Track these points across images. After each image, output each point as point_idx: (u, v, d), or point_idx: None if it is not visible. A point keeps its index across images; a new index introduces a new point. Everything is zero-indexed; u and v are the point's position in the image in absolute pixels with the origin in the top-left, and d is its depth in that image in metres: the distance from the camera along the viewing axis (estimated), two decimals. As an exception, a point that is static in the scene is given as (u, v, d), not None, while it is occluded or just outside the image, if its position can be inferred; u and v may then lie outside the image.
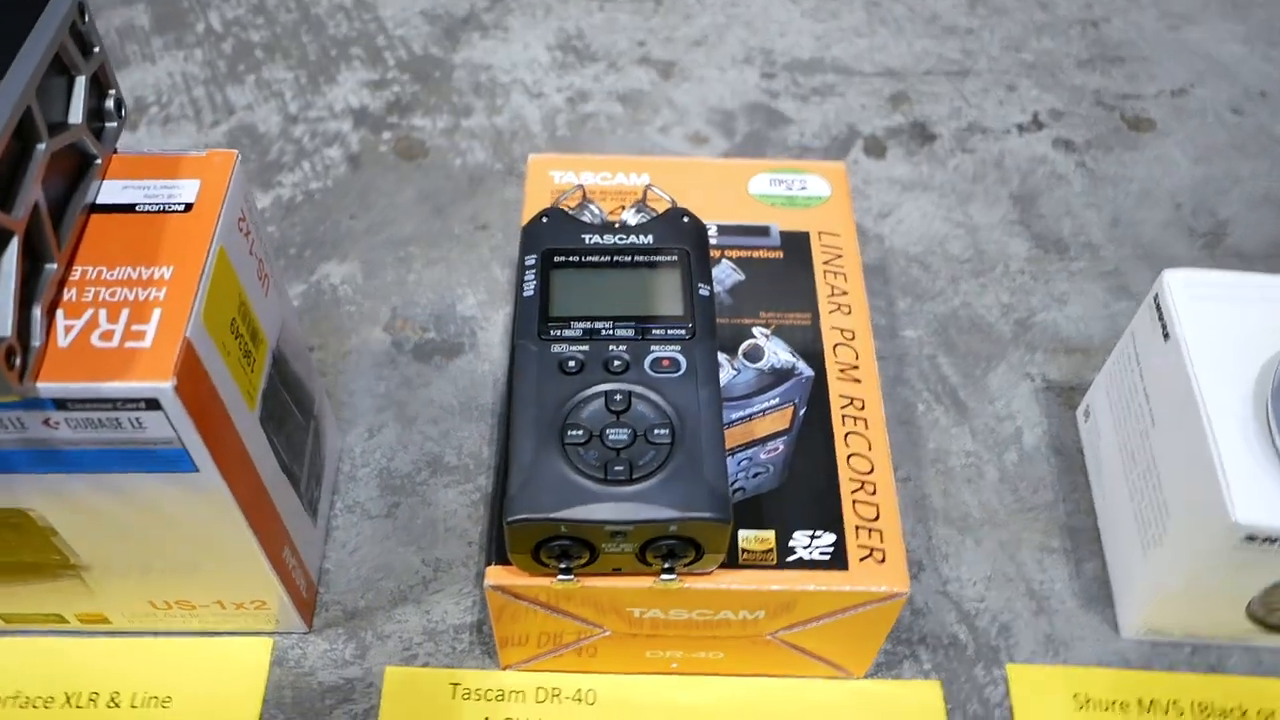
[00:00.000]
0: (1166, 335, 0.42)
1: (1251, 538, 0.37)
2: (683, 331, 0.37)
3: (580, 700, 0.42)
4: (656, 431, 0.35)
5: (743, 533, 0.37)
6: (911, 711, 0.41)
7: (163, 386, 0.29)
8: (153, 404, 0.30)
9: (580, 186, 0.44)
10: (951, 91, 0.65)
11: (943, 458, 0.49)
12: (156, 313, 0.30)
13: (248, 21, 0.68)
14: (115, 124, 0.34)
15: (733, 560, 0.36)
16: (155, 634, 0.42)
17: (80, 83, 0.32)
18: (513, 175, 0.59)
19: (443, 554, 0.45)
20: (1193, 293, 0.42)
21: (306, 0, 0.69)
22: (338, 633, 0.43)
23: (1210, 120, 0.64)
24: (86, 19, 0.32)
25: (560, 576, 0.35)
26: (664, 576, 0.35)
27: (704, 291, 0.39)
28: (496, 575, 0.36)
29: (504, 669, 0.42)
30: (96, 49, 0.33)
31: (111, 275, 0.31)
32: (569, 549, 0.34)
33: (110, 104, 0.34)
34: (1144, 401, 0.43)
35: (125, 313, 0.30)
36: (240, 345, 0.34)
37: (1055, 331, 0.54)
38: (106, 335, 0.30)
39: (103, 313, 0.30)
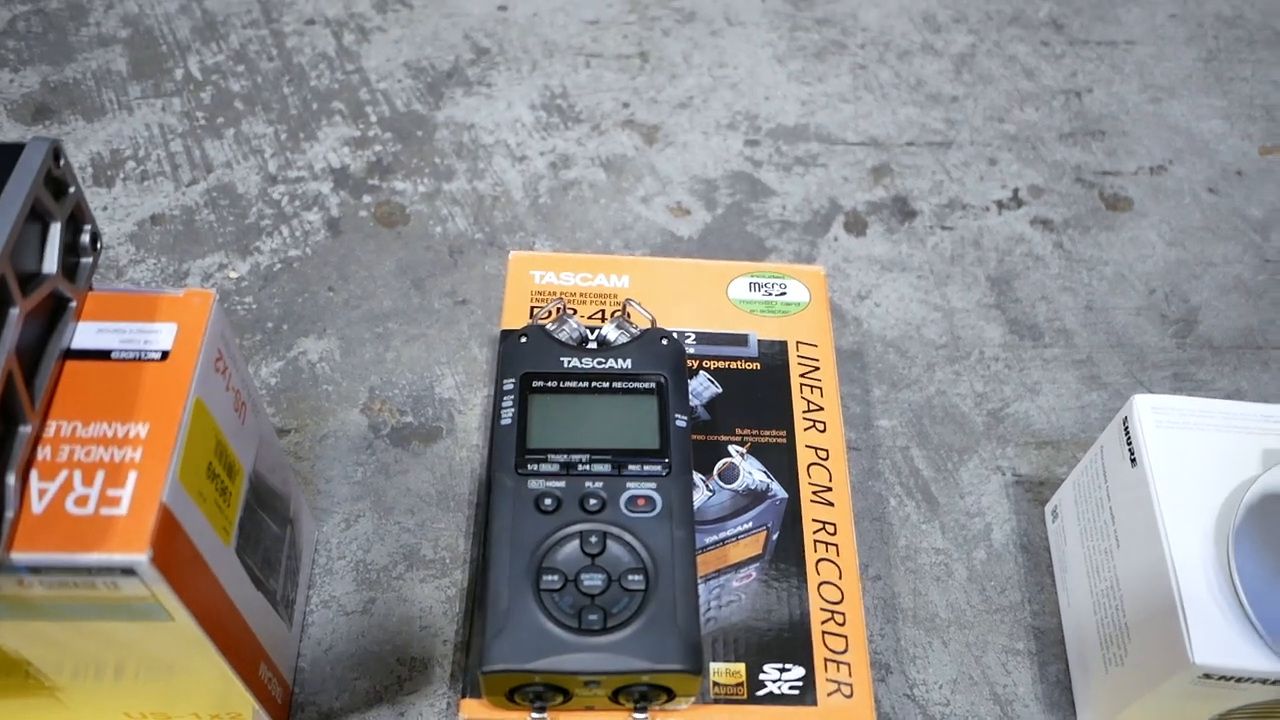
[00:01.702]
0: (1134, 461, 0.42)
1: (1208, 676, 0.38)
2: (659, 468, 0.38)
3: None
4: (630, 577, 0.35)
5: (714, 665, 0.38)
6: (875, 826, 0.42)
7: (138, 558, 0.29)
8: (128, 572, 0.30)
9: (560, 300, 0.44)
10: (933, 164, 0.65)
11: (913, 555, 0.50)
12: (132, 476, 0.30)
13: (227, 69, 0.67)
14: (90, 259, 0.34)
15: (704, 693, 0.37)
16: (129, 736, 0.42)
17: (55, 229, 0.32)
18: (493, 246, 0.59)
19: (418, 653, 0.46)
20: (1160, 419, 0.43)
21: (289, 48, 0.68)
22: (312, 736, 0.43)
23: (1187, 201, 0.65)
24: (62, 162, 0.32)
25: (534, 716, 0.35)
26: (636, 716, 0.36)
27: (680, 423, 0.39)
28: (472, 710, 0.36)
29: (476, 775, 0.43)
30: (71, 189, 0.33)
31: (87, 432, 0.31)
32: (543, 694, 0.34)
33: (85, 239, 0.34)
34: (1109, 520, 0.44)
35: (100, 475, 0.30)
36: (217, 486, 0.34)
37: (1027, 424, 0.54)
38: (81, 500, 0.30)
39: (78, 475, 0.30)
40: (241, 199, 0.60)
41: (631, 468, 0.37)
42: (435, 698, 0.44)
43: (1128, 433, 0.43)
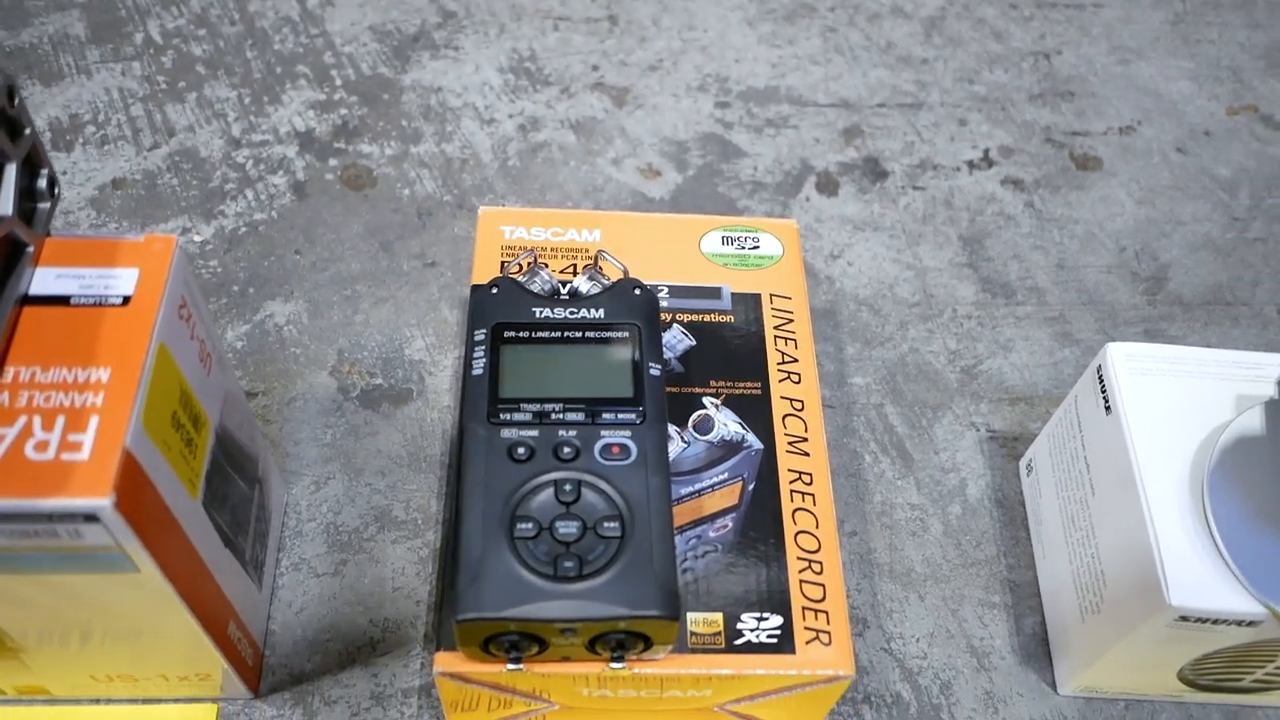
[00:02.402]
0: (1109, 408, 0.42)
1: (1185, 618, 0.38)
2: (633, 415, 0.37)
3: (528, 764, 0.42)
4: (606, 524, 0.35)
5: (691, 615, 0.37)
6: (853, 776, 0.42)
7: (101, 503, 0.28)
8: (91, 518, 0.29)
9: (531, 252, 0.43)
10: (904, 125, 0.65)
11: (888, 511, 0.49)
12: (94, 420, 0.29)
13: (189, 33, 0.65)
14: (48, 204, 0.33)
15: (681, 643, 0.37)
16: (96, 701, 0.42)
17: (10, 170, 0.31)
18: (462, 209, 0.58)
19: (391, 614, 0.45)
20: (1134, 366, 0.43)
21: (251, 12, 0.67)
22: (284, 698, 0.43)
23: (1155, 160, 0.65)
24: (16, 102, 0.31)
25: (509, 666, 0.35)
26: (613, 664, 0.35)
27: (654, 371, 0.39)
28: (446, 662, 0.36)
29: (452, 734, 0.42)
30: (27, 130, 0.32)
31: (46, 377, 0.30)
32: (518, 643, 0.34)
33: (42, 183, 0.33)
34: (1084, 469, 0.44)
35: (61, 420, 0.29)
36: (182, 436, 0.34)
37: (1000, 380, 0.54)
38: (41, 446, 0.29)
39: (37, 420, 0.29)
40: (205, 163, 0.59)
41: (605, 416, 0.37)
42: (409, 658, 0.44)
43: (1102, 381, 0.43)
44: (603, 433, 0.37)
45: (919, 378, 0.54)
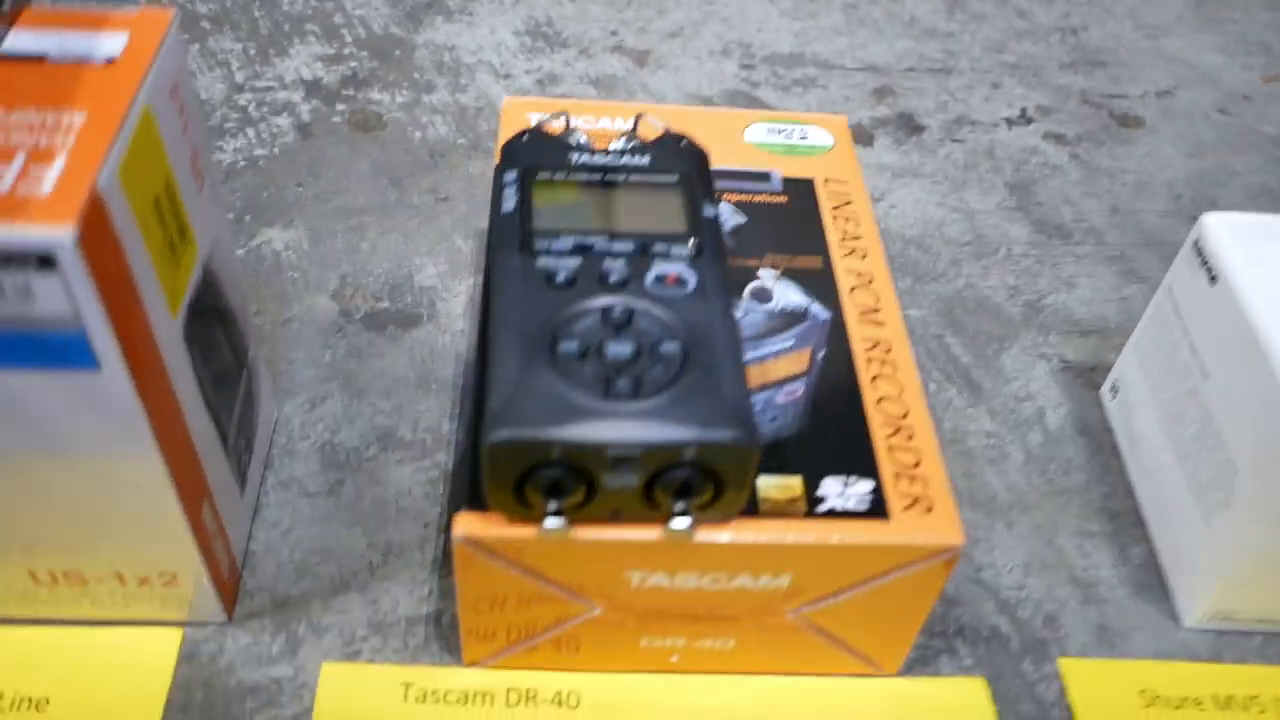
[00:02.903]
0: (1214, 279, 0.38)
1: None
2: (688, 248, 0.32)
3: (560, 704, 0.35)
4: (665, 346, 0.29)
5: (762, 480, 0.31)
6: (955, 714, 0.35)
7: (60, 235, 0.23)
8: (46, 262, 0.23)
9: (564, 114, 0.39)
10: (936, 87, 0.62)
11: (960, 438, 0.44)
12: (60, 159, 0.24)
13: (188, -1, 0.63)
14: (28, -30, 0.29)
15: (751, 508, 0.31)
16: (35, 623, 0.35)
17: (-17, -100, 0.27)
18: (478, 150, 0.54)
19: (394, 536, 0.39)
20: (1237, 233, 0.38)
21: (254, -21, 0.64)
22: (263, 624, 0.36)
23: (1198, 120, 0.62)
24: None
25: (549, 521, 0.29)
26: (675, 522, 0.29)
27: (710, 213, 0.34)
28: (467, 524, 0.30)
29: (467, 666, 0.35)
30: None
31: (8, 119, 0.25)
32: (561, 481, 0.28)
33: (21, -53, 0.29)
34: (1189, 356, 0.39)
35: (20, 157, 0.24)
36: (165, 234, 0.28)
37: (1067, 314, 0.50)
38: (-7, 178, 0.24)
39: (-9, 156, 0.24)
40: (204, 104, 0.55)
41: (657, 247, 0.32)
42: (415, 584, 0.37)
43: (1200, 254, 0.39)
44: (655, 262, 0.32)
45: (979, 311, 0.49)
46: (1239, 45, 0.69)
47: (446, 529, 0.39)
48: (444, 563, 0.38)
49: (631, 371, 0.29)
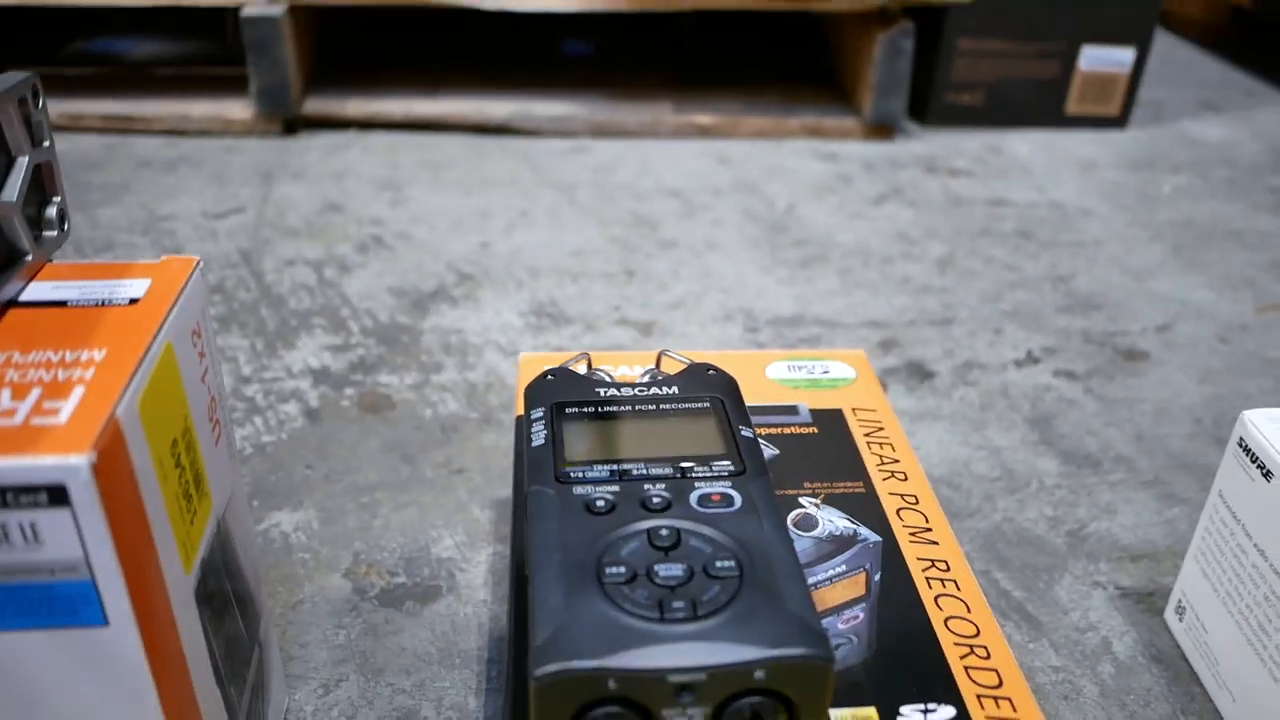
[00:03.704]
0: (1268, 475, 0.36)
1: None
2: (730, 466, 0.31)
3: None
4: (719, 564, 0.27)
5: (835, 713, 0.28)
6: None
7: (74, 464, 0.21)
8: (58, 496, 0.22)
9: (584, 354, 0.39)
10: (940, 336, 0.63)
11: (1029, 675, 0.40)
12: (78, 391, 0.23)
13: (202, 307, 0.64)
14: (55, 233, 0.29)
15: (829, 749, 0.27)
16: None
17: (21, 164, 0.27)
18: (490, 423, 0.54)
19: (420, 830, 0.34)
20: (1284, 428, 0.37)
21: (268, 282, 0.66)
22: None
23: (1202, 349, 0.63)
24: (40, 104, 0.28)
25: (605, 772, 0.25)
26: (746, 763, 0.26)
27: (747, 433, 0.33)
28: (513, 785, 0.26)
29: None
30: (46, 143, 0.29)
31: (25, 359, 0.24)
32: (618, 717, 0.25)
33: (52, 212, 0.29)
34: (1260, 559, 0.36)
35: (36, 392, 0.23)
36: (180, 480, 0.27)
37: (1113, 541, 0.47)
38: (6, 413, 0.23)
39: (5, 393, 0.23)
40: (211, 401, 0.55)
41: (698, 470, 0.30)
42: None
43: (1248, 452, 0.37)
44: (697, 484, 0.30)
45: (1021, 544, 0.47)
46: (1224, 283, 0.71)
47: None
48: None
49: (686, 593, 0.26)
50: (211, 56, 1.05)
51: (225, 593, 0.31)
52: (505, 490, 0.49)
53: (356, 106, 0.94)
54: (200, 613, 0.28)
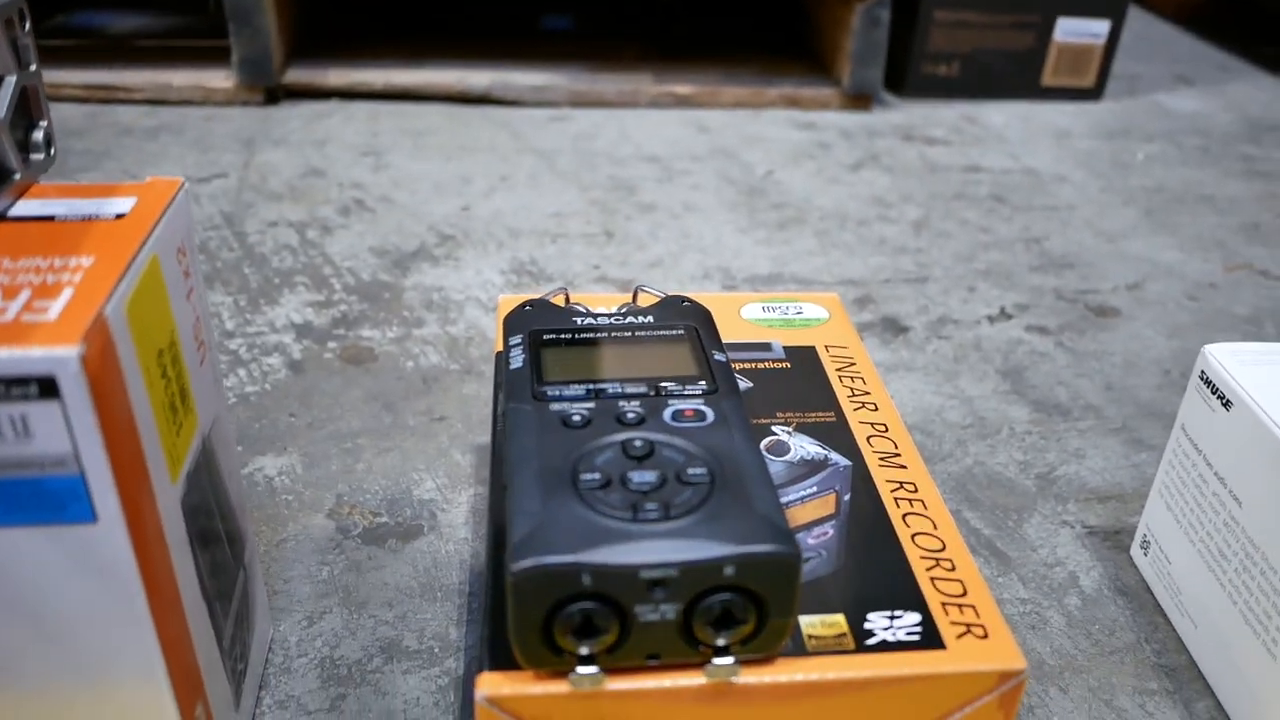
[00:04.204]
0: (1228, 404, 0.37)
1: None
2: (704, 386, 0.32)
3: None
4: (691, 471, 0.28)
5: (805, 618, 0.29)
6: None
7: (63, 355, 0.22)
8: (48, 388, 0.22)
9: (563, 288, 0.40)
10: (914, 294, 0.64)
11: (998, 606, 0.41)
12: (67, 292, 0.24)
13: (185, 267, 0.65)
14: (42, 156, 0.30)
15: (798, 647, 0.28)
16: None
17: (8, 83, 0.28)
18: (471, 374, 0.55)
19: (403, 750, 0.35)
20: (1240, 359, 0.38)
21: (250, 243, 0.67)
22: None
23: (1171, 306, 0.64)
24: (26, 27, 0.29)
25: (580, 668, 0.26)
26: (717, 660, 0.27)
27: (720, 357, 0.34)
28: (492, 684, 0.27)
29: None
30: (33, 66, 0.29)
31: (15, 264, 0.25)
32: (593, 616, 0.26)
33: (39, 135, 0.30)
34: (1220, 487, 0.38)
35: (26, 292, 0.24)
36: (167, 391, 0.28)
37: (1081, 483, 0.49)
38: (-2, 312, 0.23)
39: (-3, 295, 0.24)
40: (194, 354, 0.56)
41: (672, 388, 0.31)
42: (429, 800, 0.33)
43: (1209, 384, 0.38)
44: (671, 401, 0.31)
45: (992, 486, 0.48)
46: (1194, 244, 0.72)
47: (478, 653, 0.35)
48: (473, 688, 0.34)
49: (659, 496, 0.27)
50: (193, 29, 1.05)
51: (210, 510, 0.31)
52: (486, 436, 0.50)
53: (338, 76, 0.94)
54: (187, 524, 0.29)
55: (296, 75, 0.94)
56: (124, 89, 0.90)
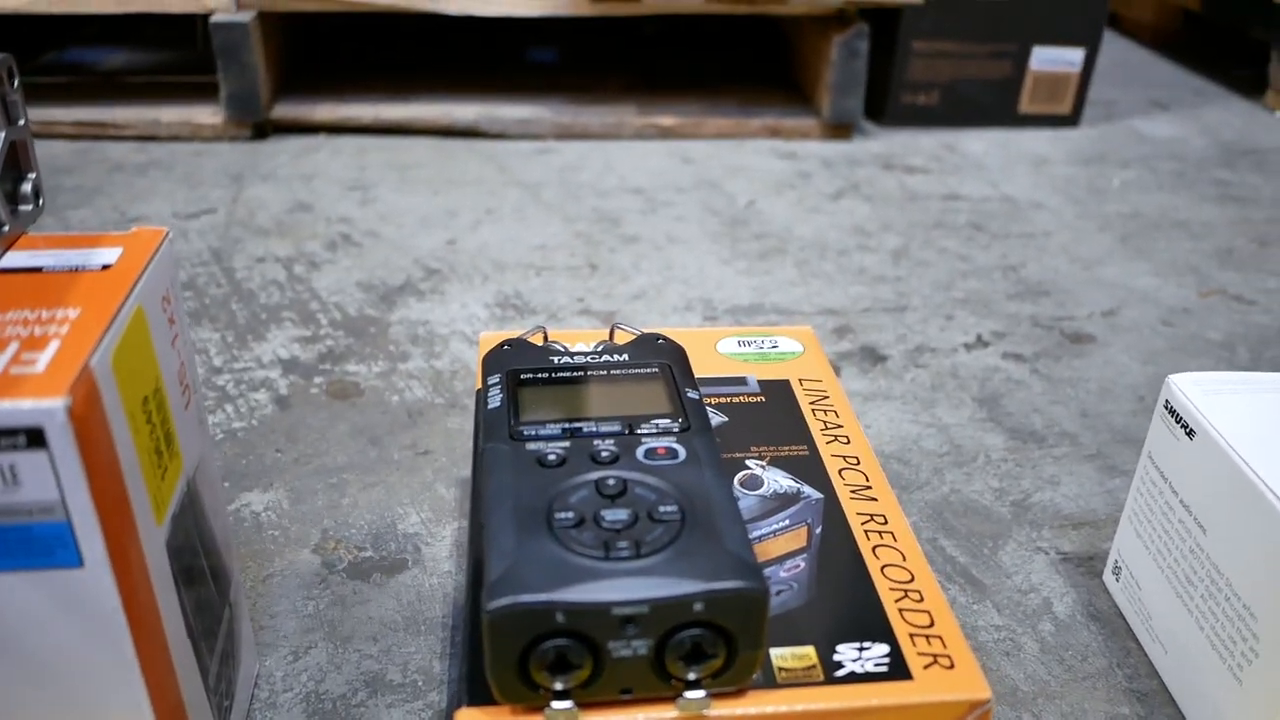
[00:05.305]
0: (1191, 433, 0.38)
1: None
2: (676, 425, 0.32)
3: None
4: (662, 509, 0.29)
5: (775, 650, 0.30)
6: None
7: (51, 407, 0.23)
8: (35, 438, 0.23)
9: (542, 328, 0.40)
10: (893, 323, 0.65)
11: (971, 634, 0.42)
12: (54, 344, 0.25)
13: (173, 303, 0.66)
14: (30, 208, 0.31)
15: (769, 680, 0.29)
16: None
17: (-3, 139, 0.29)
18: (455, 408, 0.55)
19: (386, 784, 0.35)
20: (1204, 388, 0.39)
21: (239, 279, 0.68)
22: None
23: (1146, 332, 0.65)
24: (15, 84, 0.30)
25: (555, 703, 0.27)
26: (689, 693, 0.27)
27: (693, 395, 0.34)
28: (470, 719, 0.28)
29: None
30: (21, 121, 0.30)
31: (3, 318, 0.26)
32: (567, 653, 0.26)
33: (27, 188, 0.31)
34: (1185, 514, 0.38)
35: (14, 345, 0.25)
36: (152, 436, 0.28)
37: (1056, 510, 0.49)
38: (-13, 366, 0.24)
39: (-14, 349, 0.25)
40: (182, 390, 0.56)
41: (645, 427, 0.32)
42: (412, 833, 0.34)
43: (1173, 413, 0.39)
44: (644, 439, 0.32)
45: (968, 513, 0.49)
46: (1169, 269, 0.73)
47: (455, 689, 0.36)
48: (440, 807, 0.35)
49: (631, 535, 0.28)
50: (182, 65, 1.06)
51: (195, 550, 0.32)
52: (469, 470, 0.51)
53: (325, 111, 0.95)
54: (171, 565, 0.30)
55: (284, 110, 0.95)
56: (114, 125, 0.91)
